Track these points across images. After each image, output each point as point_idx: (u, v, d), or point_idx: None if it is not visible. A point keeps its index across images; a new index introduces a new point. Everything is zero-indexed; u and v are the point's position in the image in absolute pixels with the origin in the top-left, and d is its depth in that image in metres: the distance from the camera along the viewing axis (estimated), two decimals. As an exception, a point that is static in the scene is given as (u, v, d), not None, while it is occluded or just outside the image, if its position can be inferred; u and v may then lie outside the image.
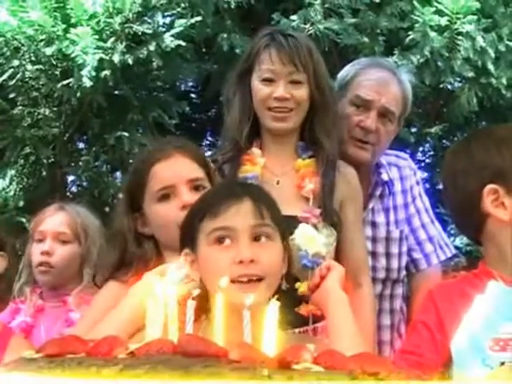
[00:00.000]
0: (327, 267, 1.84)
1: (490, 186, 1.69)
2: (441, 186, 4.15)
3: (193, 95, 4.59)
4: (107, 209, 4.34)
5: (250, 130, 2.28)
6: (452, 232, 3.66)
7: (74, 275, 2.57)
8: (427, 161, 4.17)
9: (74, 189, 3.97)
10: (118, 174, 4.40)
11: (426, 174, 4.10)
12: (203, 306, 1.68)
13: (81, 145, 3.75)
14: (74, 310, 2.49)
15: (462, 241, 3.62)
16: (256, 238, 1.67)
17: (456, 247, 3.62)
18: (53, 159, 3.47)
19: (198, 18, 3.00)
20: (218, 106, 3.90)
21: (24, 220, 3.45)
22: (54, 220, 2.59)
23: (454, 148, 1.92)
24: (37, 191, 3.60)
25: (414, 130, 3.93)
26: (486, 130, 1.90)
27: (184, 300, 1.50)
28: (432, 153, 4.12)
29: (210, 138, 4.80)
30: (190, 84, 4.39)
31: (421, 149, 4.14)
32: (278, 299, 1.68)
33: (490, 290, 1.66)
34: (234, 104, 2.30)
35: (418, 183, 2.80)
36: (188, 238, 1.75)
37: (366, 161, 2.57)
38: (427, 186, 4.01)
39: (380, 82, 2.57)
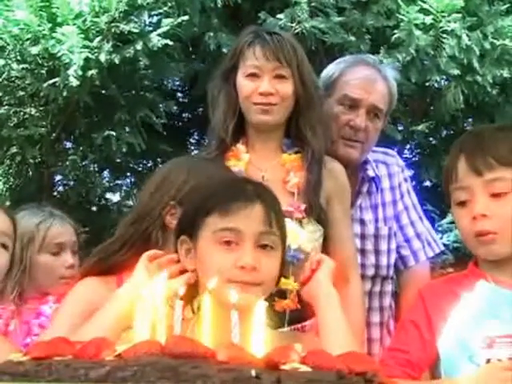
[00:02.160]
0: (318, 261, 1.84)
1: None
2: (427, 184, 4.19)
3: (180, 94, 4.58)
4: (94, 208, 4.34)
5: (236, 127, 2.29)
6: (439, 229, 3.67)
7: None
8: (414, 158, 4.19)
9: (61, 188, 3.97)
10: (106, 173, 4.40)
11: (412, 172, 4.11)
12: (193, 294, 1.70)
13: (68, 144, 3.73)
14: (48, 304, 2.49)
15: (449, 238, 3.63)
16: (261, 246, 1.67)
17: (443, 244, 3.64)
18: (39, 159, 3.46)
19: (185, 18, 3.00)
20: (205, 104, 3.90)
21: (10, 220, 3.41)
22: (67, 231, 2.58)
23: None
24: (23, 191, 3.58)
25: (400, 127, 3.94)
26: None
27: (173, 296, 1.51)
28: (419, 150, 4.13)
29: (196, 137, 4.80)
30: (177, 83, 4.38)
31: (408, 146, 4.16)
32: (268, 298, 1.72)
33: (479, 289, 1.67)
34: (219, 102, 2.31)
35: (406, 180, 2.82)
36: (188, 226, 1.73)
37: (355, 159, 2.59)
38: (414, 183, 4.03)
39: (367, 80, 2.59)
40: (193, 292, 1.70)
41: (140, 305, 1.12)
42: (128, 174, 4.51)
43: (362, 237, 2.63)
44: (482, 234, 1.69)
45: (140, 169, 4.51)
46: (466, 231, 1.73)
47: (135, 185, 4.48)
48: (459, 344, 1.63)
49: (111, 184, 4.08)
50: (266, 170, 2.27)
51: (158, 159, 4.57)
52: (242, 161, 2.28)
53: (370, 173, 2.66)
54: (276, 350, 0.99)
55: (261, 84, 2.22)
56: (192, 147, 4.80)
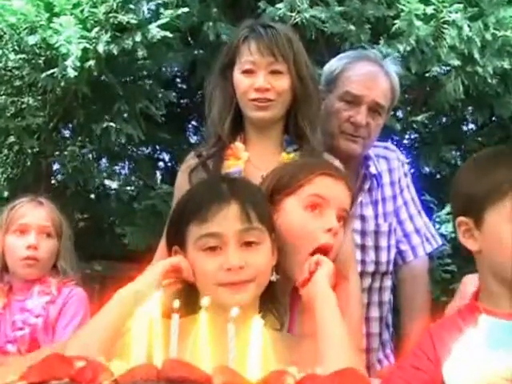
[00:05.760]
0: (316, 262, 1.83)
1: (460, 219, 1.70)
2: (426, 173, 4.17)
3: (178, 80, 4.55)
4: (93, 196, 4.33)
5: (234, 124, 2.28)
6: (437, 220, 3.66)
7: (50, 269, 2.61)
8: (413, 147, 4.17)
9: (59, 177, 3.96)
10: (104, 160, 4.38)
11: (411, 161, 4.10)
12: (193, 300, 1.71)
13: (66, 134, 3.72)
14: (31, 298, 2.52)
15: (447, 228, 3.63)
16: (245, 243, 1.67)
17: (441, 234, 3.64)
18: (37, 149, 3.44)
19: (185, 10, 2.97)
20: (204, 91, 3.88)
21: (9, 210, 3.40)
22: (38, 214, 2.61)
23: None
24: (21, 181, 3.57)
25: (400, 116, 3.93)
26: (482, 153, 1.87)
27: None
28: (418, 139, 4.12)
29: (194, 123, 4.78)
30: (176, 69, 4.35)
31: (407, 136, 4.14)
32: (268, 290, 1.72)
33: (481, 324, 1.66)
34: (216, 98, 2.30)
35: (405, 175, 2.82)
36: (176, 237, 1.75)
37: (357, 154, 2.59)
38: (412, 170, 4.03)
39: (368, 77, 2.58)
40: (192, 298, 1.72)
41: (137, 322, 1.12)
42: (126, 160, 4.50)
43: (363, 233, 2.64)
44: None
45: (138, 155, 4.49)
46: None
47: (134, 171, 4.46)
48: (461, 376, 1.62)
49: (109, 171, 4.06)
50: (265, 170, 2.26)
51: (157, 146, 4.57)
52: (241, 159, 2.27)
53: (372, 170, 2.66)
54: (271, 374, 0.99)
55: (256, 80, 2.20)
56: (191, 134, 4.78)
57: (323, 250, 1.89)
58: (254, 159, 2.27)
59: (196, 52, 3.66)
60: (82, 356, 1.08)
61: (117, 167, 4.46)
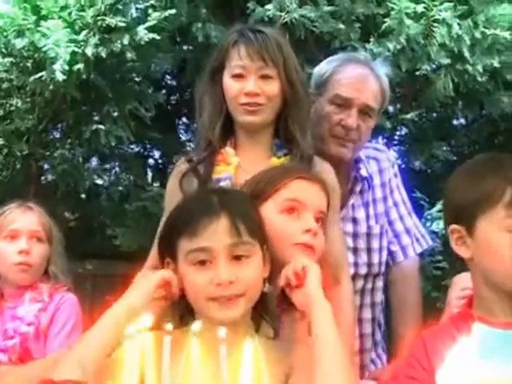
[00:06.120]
0: (302, 268, 1.80)
1: (452, 226, 1.71)
2: (417, 170, 4.18)
3: (168, 77, 4.53)
4: (83, 195, 4.32)
5: (224, 128, 2.27)
6: (428, 217, 3.68)
7: (41, 274, 2.60)
8: (403, 144, 4.18)
9: (49, 177, 3.94)
10: (94, 158, 4.37)
11: (402, 158, 4.12)
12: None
13: (56, 135, 3.70)
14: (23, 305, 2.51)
15: (438, 226, 3.64)
16: (234, 257, 1.67)
17: (432, 232, 3.66)
18: (27, 151, 3.43)
19: (172, 12, 2.95)
20: (193, 89, 3.87)
21: (-1, 212, 3.39)
22: (28, 219, 2.60)
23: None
24: (11, 183, 3.56)
25: (390, 113, 3.93)
26: (471, 161, 1.85)
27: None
28: (408, 136, 4.12)
29: (184, 120, 4.77)
30: (165, 67, 4.33)
31: (397, 132, 4.14)
32: (260, 300, 1.72)
33: (475, 332, 1.67)
34: (206, 103, 2.29)
35: (395, 175, 2.82)
36: (167, 249, 1.75)
37: (347, 158, 2.59)
38: (403, 166, 4.04)
39: (358, 79, 2.57)
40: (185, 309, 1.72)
41: (128, 344, 1.13)
42: (116, 158, 4.49)
43: (355, 235, 2.64)
44: None
45: (128, 153, 4.48)
46: None
47: (124, 169, 4.46)
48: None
49: (99, 170, 4.05)
50: None
51: (147, 143, 4.56)
52: (231, 165, 2.26)
53: (363, 172, 2.65)
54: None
55: (246, 84, 2.20)
56: (181, 131, 4.77)
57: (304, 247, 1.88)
58: (244, 164, 2.27)
59: (185, 49, 3.66)
60: (73, 380, 1.08)
61: (107, 165, 4.45)
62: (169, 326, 1.18)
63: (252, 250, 1.71)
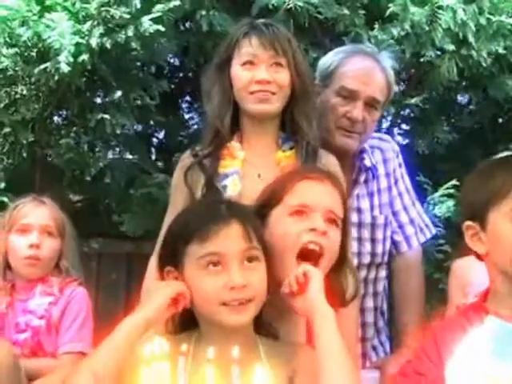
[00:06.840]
0: (304, 274, 1.81)
1: (467, 223, 1.77)
2: (420, 153, 4.19)
3: (171, 59, 4.51)
4: (88, 178, 4.34)
5: (232, 120, 2.29)
6: (431, 202, 3.70)
7: (52, 268, 2.63)
8: (407, 128, 4.18)
9: (55, 162, 3.94)
10: (99, 143, 4.36)
11: (406, 141, 4.13)
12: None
13: (61, 123, 3.70)
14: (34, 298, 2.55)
15: (441, 210, 3.67)
16: (246, 261, 1.70)
17: (435, 216, 3.68)
18: (32, 139, 3.44)
19: (177, 3, 2.94)
20: (197, 68, 3.87)
21: (6, 200, 3.42)
22: (40, 213, 2.63)
23: None
24: (17, 170, 3.57)
25: (394, 97, 3.92)
26: (483, 163, 1.94)
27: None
28: (412, 120, 4.12)
29: (188, 99, 4.76)
30: (169, 51, 4.30)
31: (401, 116, 4.14)
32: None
33: (487, 324, 1.70)
34: (214, 94, 2.30)
35: (400, 165, 2.84)
36: (170, 257, 1.78)
37: (353, 149, 2.61)
38: (407, 150, 4.03)
39: (365, 72, 2.58)
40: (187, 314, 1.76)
41: (145, 372, 1.16)
42: (120, 138, 4.48)
43: (359, 225, 2.67)
44: None
45: (131, 133, 4.48)
46: None
47: (128, 149, 4.45)
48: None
49: (103, 159, 4.04)
50: (262, 169, 2.27)
51: (151, 122, 4.55)
52: (237, 159, 2.28)
53: (367, 162, 2.67)
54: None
55: (257, 73, 2.21)
56: (185, 111, 4.76)
57: (308, 254, 1.87)
58: (250, 158, 2.29)
59: (189, 35, 3.64)
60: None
61: (111, 146, 4.44)
62: (184, 347, 1.20)
63: (260, 255, 1.75)
